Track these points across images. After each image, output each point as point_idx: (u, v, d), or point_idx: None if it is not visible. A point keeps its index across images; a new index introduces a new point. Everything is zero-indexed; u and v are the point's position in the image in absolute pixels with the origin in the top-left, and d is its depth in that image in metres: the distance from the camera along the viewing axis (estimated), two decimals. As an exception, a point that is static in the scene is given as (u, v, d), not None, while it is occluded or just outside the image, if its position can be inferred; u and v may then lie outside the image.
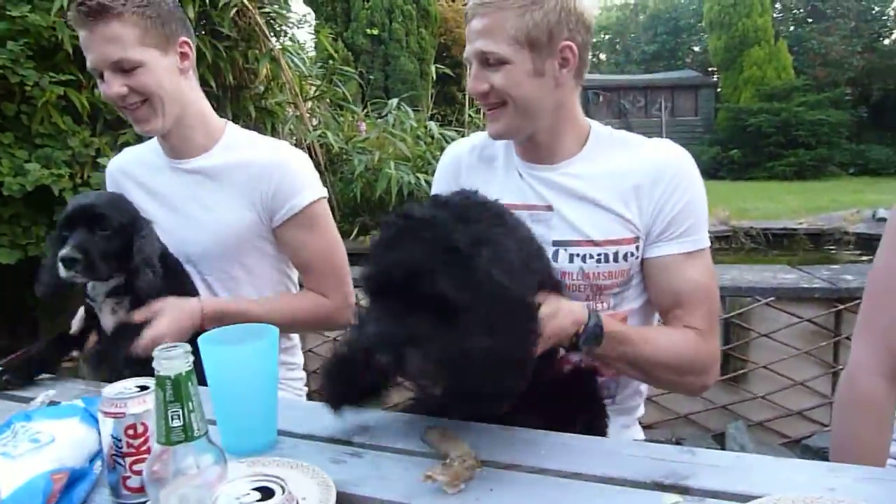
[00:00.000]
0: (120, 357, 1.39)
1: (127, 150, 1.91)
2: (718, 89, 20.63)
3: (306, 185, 1.72)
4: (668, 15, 29.15)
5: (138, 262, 1.44)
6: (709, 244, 1.49)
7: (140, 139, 1.89)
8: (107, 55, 1.52)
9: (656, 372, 1.43)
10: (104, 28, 1.50)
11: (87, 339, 1.55)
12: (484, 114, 1.51)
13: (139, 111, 1.60)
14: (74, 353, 1.55)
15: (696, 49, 28.55)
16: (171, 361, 0.77)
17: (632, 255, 1.46)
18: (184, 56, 1.65)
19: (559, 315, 1.20)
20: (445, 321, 0.98)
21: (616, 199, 1.46)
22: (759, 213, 8.90)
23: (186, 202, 1.66)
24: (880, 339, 1.23)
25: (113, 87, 1.54)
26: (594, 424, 1.39)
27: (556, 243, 1.47)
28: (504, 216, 1.17)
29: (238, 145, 1.75)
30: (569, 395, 1.35)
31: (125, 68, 1.54)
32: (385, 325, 1.00)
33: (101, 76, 1.56)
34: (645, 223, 1.46)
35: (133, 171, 1.80)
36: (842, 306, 3.51)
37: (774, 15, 20.34)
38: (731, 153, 17.27)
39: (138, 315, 1.46)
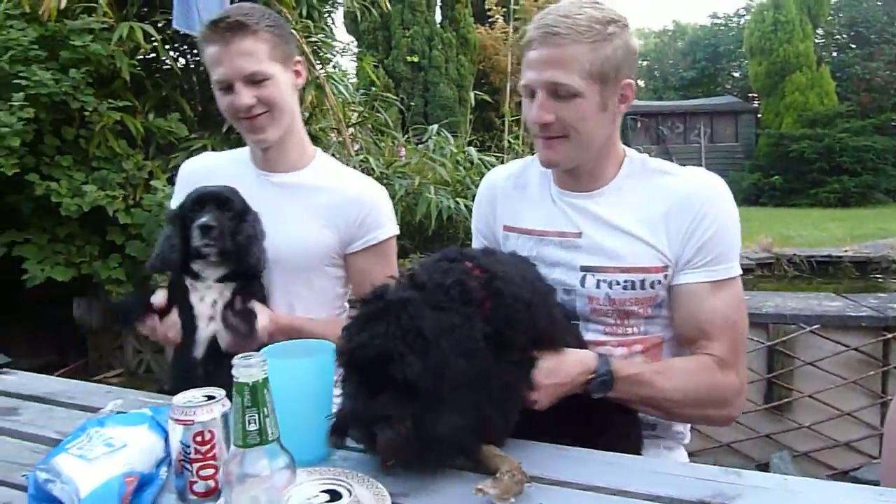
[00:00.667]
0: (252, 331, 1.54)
1: (204, 155, 2.01)
2: (759, 115, 20.38)
3: (388, 221, 1.83)
4: (706, 41, 28.92)
5: (244, 241, 1.59)
6: (739, 273, 1.46)
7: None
8: (241, 68, 1.63)
9: (676, 409, 1.44)
10: (240, 43, 1.62)
11: (166, 314, 1.62)
12: (524, 140, 1.54)
13: (258, 120, 1.69)
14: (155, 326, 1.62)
15: (736, 75, 28.23)
16: (250, 369, 0.82)
17: (659, 283, 1.46)
18: (297, 74, 1.77)
19: (561, 368, 1.27)
20: (413, 400, 1.06)
21: (645, 226, 1.46)
22: (802, 241, 8.74)
23: (268, 211, 1.70)
24: None
25: (244, 97, 1.64)
26: (621, 440, 1.38)
27: (583, 268, 1.48)
28: (472, 296, 1.17)
29: (330, 171, 1.85)
30: (597, 411, 1.36)
31: (256, 80, 1.65)
32: (357, 403, 1.10)
33: (229, 88, 1.66)
34: (674, 251, 1.45)
35: (212, 173, 1.84)
36: (890, 335, 3.43)
37: (816, 41, 20.06)
38: (773, 179, 16.96)
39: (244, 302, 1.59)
